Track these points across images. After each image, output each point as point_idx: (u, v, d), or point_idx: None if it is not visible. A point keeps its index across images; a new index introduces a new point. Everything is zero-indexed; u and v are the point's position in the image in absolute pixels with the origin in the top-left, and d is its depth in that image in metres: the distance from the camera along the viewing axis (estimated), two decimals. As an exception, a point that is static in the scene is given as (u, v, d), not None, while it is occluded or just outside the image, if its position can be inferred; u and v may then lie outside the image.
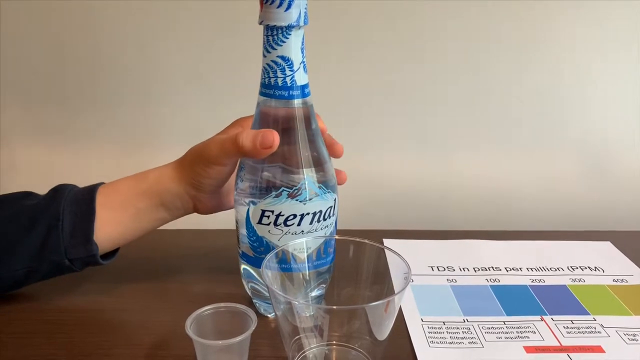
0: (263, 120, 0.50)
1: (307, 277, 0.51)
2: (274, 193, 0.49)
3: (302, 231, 0.50)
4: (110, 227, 0.53)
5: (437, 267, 0.65)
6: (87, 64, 0.74)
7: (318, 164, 0.50)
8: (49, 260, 0.52)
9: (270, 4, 0.45)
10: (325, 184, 0.51)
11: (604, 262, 0.66)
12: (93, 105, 0.76)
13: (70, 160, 0.79)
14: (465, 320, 0.55)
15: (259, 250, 0.51)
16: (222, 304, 0.48)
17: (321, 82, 0.73)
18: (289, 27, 0.46)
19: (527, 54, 0.73)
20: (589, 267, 0.65)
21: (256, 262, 0.51)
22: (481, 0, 0.71)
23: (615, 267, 0.65)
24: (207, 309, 0.48)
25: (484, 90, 0.75)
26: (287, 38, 0.47)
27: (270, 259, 0.47)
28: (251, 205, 0.50)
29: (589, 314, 0.56)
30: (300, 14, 0.46)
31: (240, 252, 0.54)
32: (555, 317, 0.56)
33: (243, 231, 0.52)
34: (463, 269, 0.64)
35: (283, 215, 0.49)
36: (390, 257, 0.49)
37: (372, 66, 0.73)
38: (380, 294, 0.48)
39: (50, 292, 0.58)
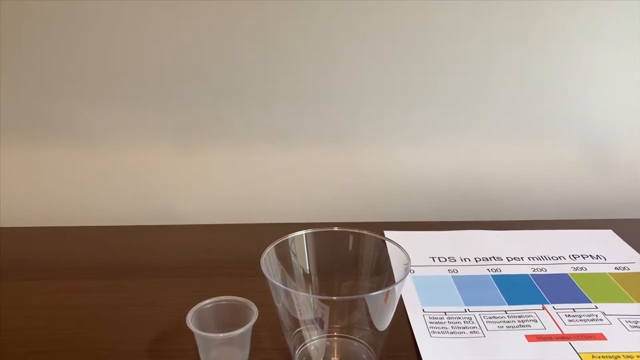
0: None
1: (308, 270, 0.51)
2: None
3: None
4: None
5: (438, 257, 0.65)
6: (87, 59, 0.74)
7: None
8: None
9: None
10: None
11: (605, 250, 0.66)
12: (92, 102, 0.76)
13: (69, 159, 0.79)
14: (467, 310, 0.55)
15: None
16: (223, 297, 0.48)
17: (323, 77, 0.74)
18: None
19: (529, 46, 0.73)
20: (590, 255, 0.65)
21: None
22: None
23: (617, 255, 0.65)
24: (208, 302, 0.48)
25: (484, 82, 0.74)
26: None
27: (270, 251, 0.47)
28: None
29: (590, 302, 0.56)
30: None
31: None
32: (557, 306, 0.55)
33: None
34: (464, 259, 0.64)
35: None
36: (390, 248, 0.49)
37: (372, 60, 0.73)
38: (380, 285, 0.48)
39: (53, 288, 0.59)
